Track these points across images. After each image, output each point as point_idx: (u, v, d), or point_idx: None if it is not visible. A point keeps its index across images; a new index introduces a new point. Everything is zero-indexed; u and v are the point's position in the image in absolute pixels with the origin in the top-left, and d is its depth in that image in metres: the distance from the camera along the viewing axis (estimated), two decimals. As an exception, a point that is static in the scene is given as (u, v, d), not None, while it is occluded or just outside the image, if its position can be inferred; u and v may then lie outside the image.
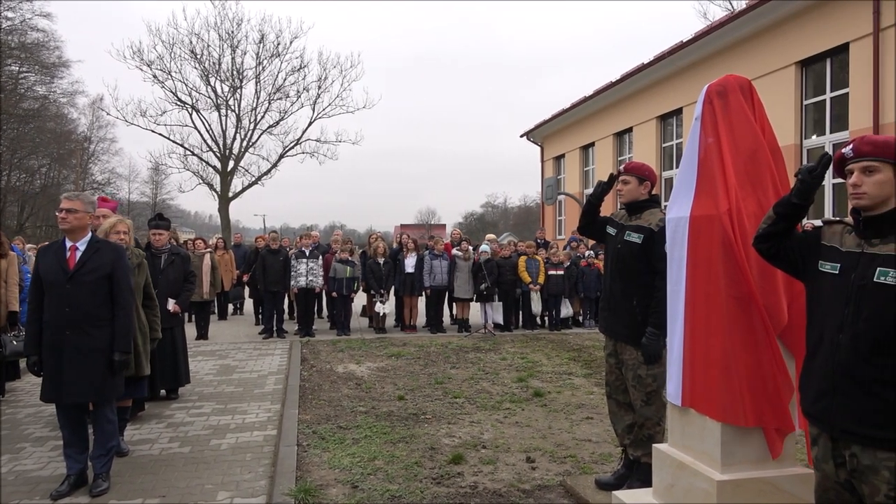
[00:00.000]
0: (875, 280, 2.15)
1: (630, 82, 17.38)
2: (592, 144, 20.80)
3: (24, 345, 4.71)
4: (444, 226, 56.80)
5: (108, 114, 32.13)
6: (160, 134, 29.89)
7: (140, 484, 4.33)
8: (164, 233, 6.66)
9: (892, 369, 2.11)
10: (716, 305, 3.00)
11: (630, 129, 18.32)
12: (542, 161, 25.55)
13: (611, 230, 4.21)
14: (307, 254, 11.18)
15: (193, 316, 11.28)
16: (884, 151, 2.20)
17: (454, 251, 11.92)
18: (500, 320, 11.71)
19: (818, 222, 2.50)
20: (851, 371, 2.18)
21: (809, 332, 2.41)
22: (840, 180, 2.33)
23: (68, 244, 4.19)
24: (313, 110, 31.23)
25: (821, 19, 11.33)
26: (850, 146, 2.29)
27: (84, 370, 4.07)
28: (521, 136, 25.87)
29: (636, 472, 4.00)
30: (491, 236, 13.36)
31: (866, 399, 2.15)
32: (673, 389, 3.30)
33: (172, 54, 29.15)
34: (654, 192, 4.15)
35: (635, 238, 3.94)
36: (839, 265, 2.29)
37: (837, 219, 2.51)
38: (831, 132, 11.54)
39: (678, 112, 15.94)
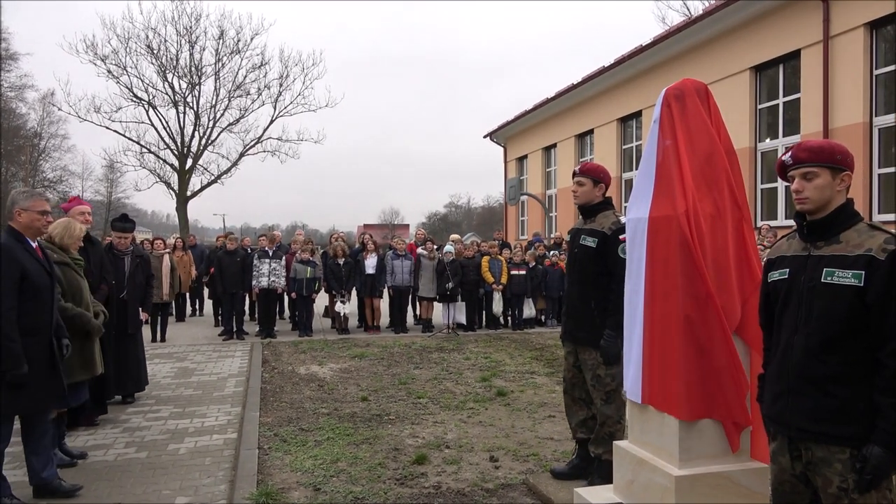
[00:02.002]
0: (822, 280, 2.23)
1: (591, 85, 17.62)
2: (554, 146, 21.02)
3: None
4: (407, 226, 56.67)
5: (59, 109, 31.10)
6: (115, 131, 28.99)
7: (95, 491, 4.21)
8: (130, 235, 6.50)
9: (844, 366, 2.19)
10: (673, 304, 3.06)
11: (591, 131, 18.57)
12: (506, 162, 25.72)
13: (567, 236, 4.30)
14: (270, 254, 11.03)
15: (149, 318, 11.04)
16: (819, 157, 2.30)
17: (419, 251, 11.92)
18: (464, 320, 11.75)
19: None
20: (805, 370, 2.26)
21: (771, 339, 2.49)
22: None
23: (33, 244, 4.00)
24: (274, 108, 30.73)
25: (774, 26, 11.68)
26: (790, 153, 2.38)
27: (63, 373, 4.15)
28: (485, 136, 25.99)
29: (598, 470, 4.06)
30: (455, 237, 13.41)
31: (820, 397, 2.22)
32: (632, 386, 3.36)
33: (128, 49, 28.30)
34: (608, 195, 4.23)
35: (590, 242, 4.03)
36: (788, 270, 2.38)
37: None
38: (784, 136, 11.90)
39: (638, 115, 16.23)
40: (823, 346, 2.22)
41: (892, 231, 2.23)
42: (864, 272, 2.15)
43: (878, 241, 2.17)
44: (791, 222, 2.61)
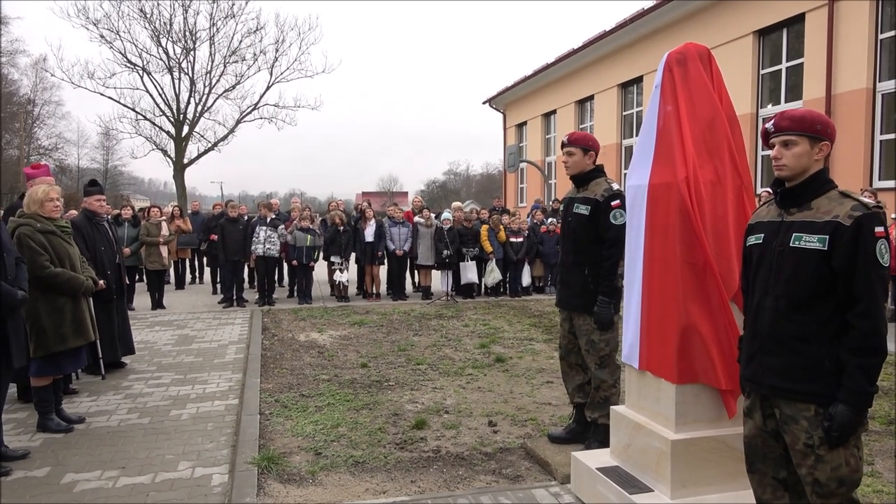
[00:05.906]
0: (791, 245, 2.32)
1: (591, 50, 17.36)
2: (554, 112, 20.82)
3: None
4: (406, 193, 56.45)
5: (52, 75, 30.65)
6: (109, 97, 28.65)
7: (98, 456, 4.27)
8: (104, 197, 6.40)
9: (811, 326, 2.29)
10: (672, 271, 3.07)
11: (591, 97, 18.38)
12: (505, 128, 25.50)
13: (560, 205, 4.30)
14: (267, 221, 11.03)
15: (148, 284, 11.15)
16: (800, 126, 2.35)
17: (416, 219, 11.90)
18: (475, 279, 11.69)
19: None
20: (775, 330, 2.36)
21: (747, 302, 2.58)
22: (768, 152, 2.47)
23: None
24: (271, 74, 30.31)
25: (778, -11, 11.47)
26: (772, 121, 2.43)
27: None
28: (484, 102, 25.73)
29: (594, 434, 4.12)
30: (457, 204, 13.34)
31: (788, 355, 2.33)
32: (630, 352, 3.39)
33: (120, 13, 27.78)
34: (599, 162, 4.22)
35: (583, 210, 4.05)
36: (763, 235, 2.47)
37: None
38: (786, 101, 11.78)
39: (639, 80, 16.03)
40: (791, 307, 2.31)
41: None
42: (828, 237, 2.23)
43: (846, 208, 2.25)
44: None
